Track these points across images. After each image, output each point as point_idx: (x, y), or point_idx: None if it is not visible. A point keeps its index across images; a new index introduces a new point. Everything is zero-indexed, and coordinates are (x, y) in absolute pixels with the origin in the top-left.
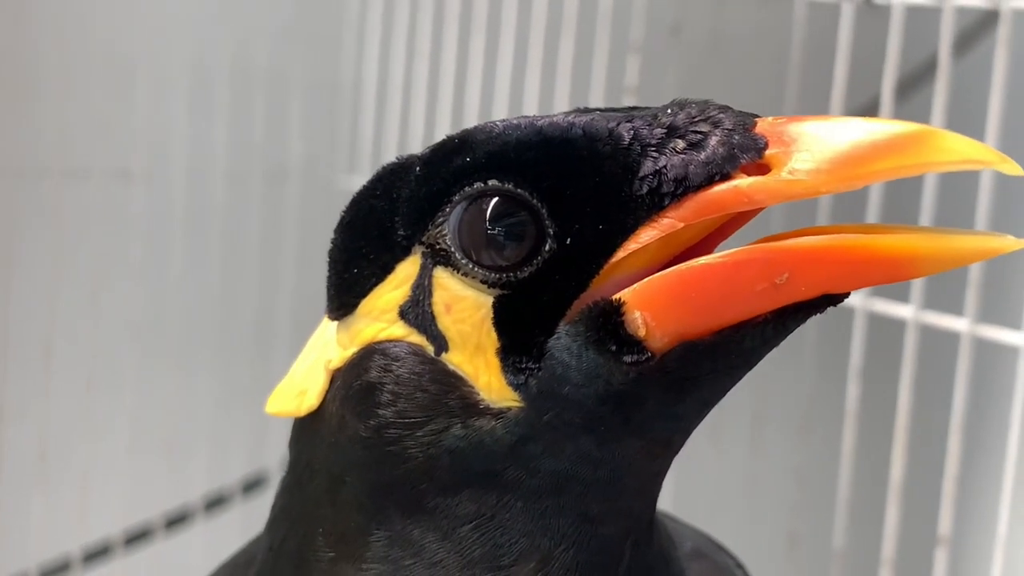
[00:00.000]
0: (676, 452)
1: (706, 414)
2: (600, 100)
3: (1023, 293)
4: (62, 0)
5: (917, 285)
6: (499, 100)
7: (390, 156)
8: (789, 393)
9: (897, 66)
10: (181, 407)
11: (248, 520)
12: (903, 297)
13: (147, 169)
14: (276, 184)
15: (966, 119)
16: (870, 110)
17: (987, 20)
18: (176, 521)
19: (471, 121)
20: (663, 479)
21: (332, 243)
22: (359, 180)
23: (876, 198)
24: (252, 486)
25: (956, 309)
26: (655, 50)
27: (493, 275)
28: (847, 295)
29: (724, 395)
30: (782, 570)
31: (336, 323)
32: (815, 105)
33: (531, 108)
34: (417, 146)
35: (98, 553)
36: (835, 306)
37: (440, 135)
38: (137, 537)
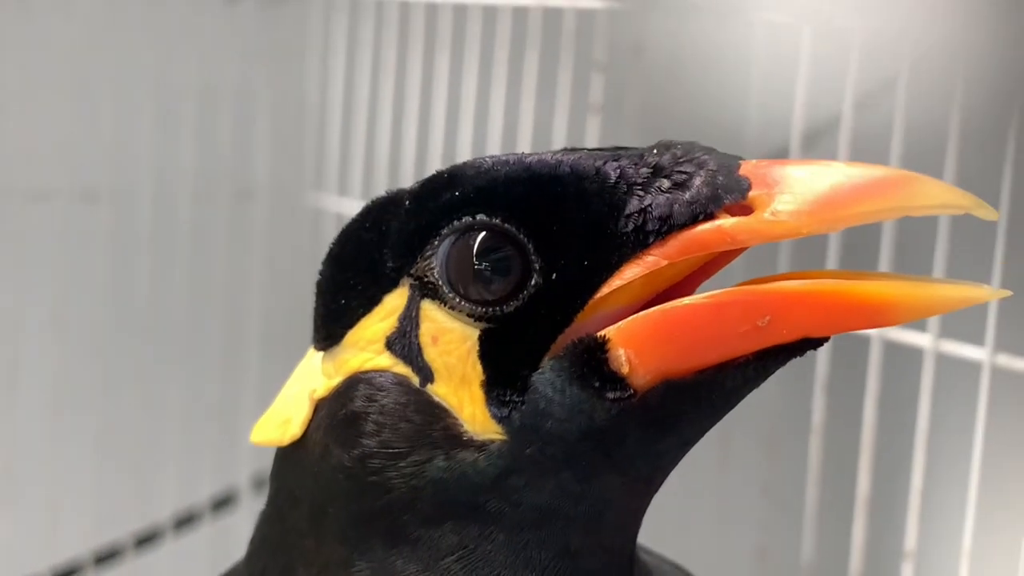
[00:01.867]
0: (656, 490)
1: (685, 453)
2: (565, 117)
3: (985, 309)
4: (24, 19)
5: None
6: (464, 118)
7: (356, 174)
8: (756, 408)
9: (855, 85)
10: (148, 426)
11: (218, 538)
12: None
13: (112, 189)
14: (242, 203)
15: (926, 125)
16: (831, 120)
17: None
18: (145, 540)
19: (436, 140)
20: (643, 516)
21: (320, 274)
22: (325, 198)
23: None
24: (221, 504)
25: (919, 325)
26: (618, 69)
27: (480, 309)
28: (828, 338)
29: (703, 435)
30: None
31: (322, 353)
32: (776, 121)
33: (496, 125)
34: (383, 165)
35: (67, 574)
36: (815, 348)
37: (406, 153)
38: (106, 557)
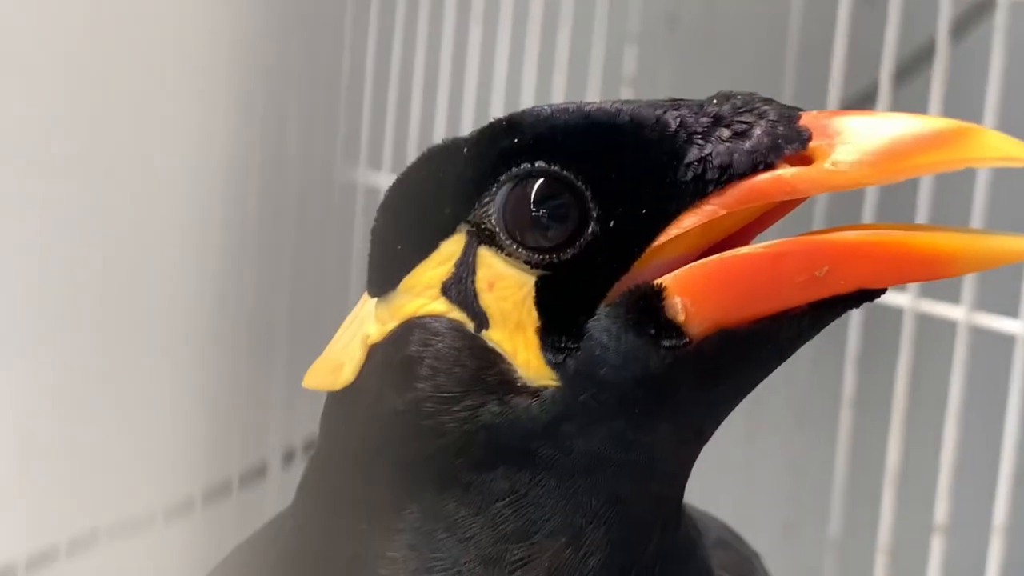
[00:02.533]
0: (706, 440)
1: (736, 404)
2: (597, 91)
3: (1019, 281)
4: None
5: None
6: (496, 91)
7: (387, 148)
8: (786, 381)
9: (895, 51)
10: (179, 397)
11: (247, 509)
12: (899, 286)
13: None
14: (272, 175)
15: (963, 104)
16: (868, 97)
17: (984, 5)
18: (176, 510)
19: (468, 113)
20: (692, 466)
21: (375, 221)
22: (356, 171)
23: (872, 194)
24: (251, 476)
25: (953, 297)
26: (652, 41)
27: (536, 256)
28: (884, 291)
29: (755, 386)
30: (778, 558)
31: (376, 300)
32: (812, 93)
33: (528, 99)
34: (415, 138)
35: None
36: (871, 301)
37: (438, 124)
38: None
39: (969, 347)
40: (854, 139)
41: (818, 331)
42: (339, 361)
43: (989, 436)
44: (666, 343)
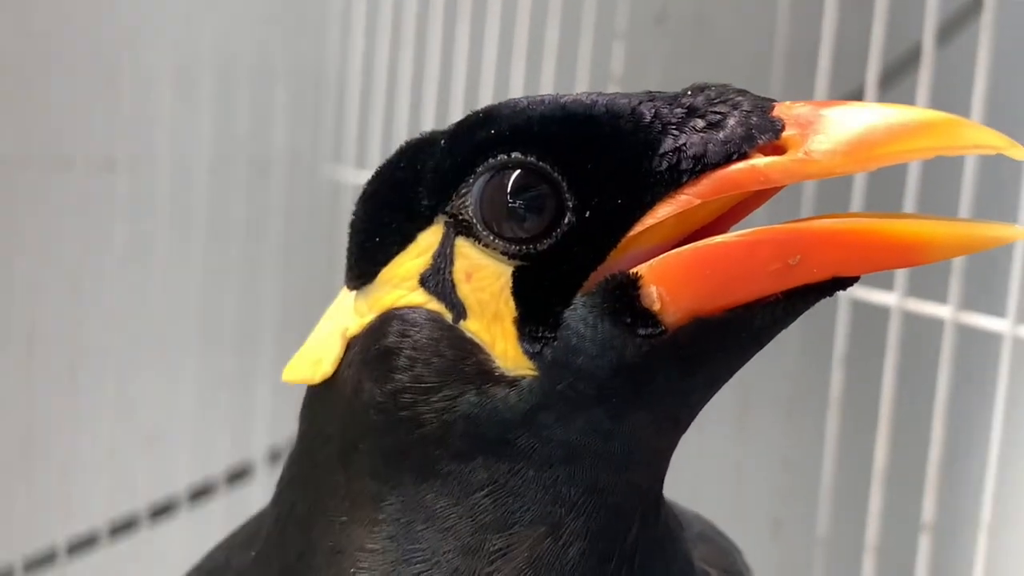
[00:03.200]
0: (683, 430)
1: (713, 394)
2: (585, 88)
3: (1006, 280)
4: None
5: (901, 272)
6: (484, 88)
7: (375, 145)
8: (774, 380)
9: (882, 53)
10: (165, 397)
11: (232, 510)
12: (887, 284)
13: (131, 158)
14: (261, 174)
15: (950, 106)
16: (855, 97)
17: (971, 7)
18: (160, 511)
19: (456, 111)
20: (670, 456)
21: (354, 214)
22: (343, 170)
23: (860, 186)
24: (237, 476)
25: (940, 296)
26: (640, 38)
27: (513, 247)
28: (856, 279)
29: (731, 375)
30: (766, 556)
31: (355, 292)
32: (800, 92)
33: (516, 95)
34: (403, 135)
35: (83, 544)
36: (844, 289)
37: (425, 124)
38: (121, 528)
39: (956, 346)
40: (827, 128)
41: (793, 319)
42: (318, 354)
43: (976, 433)
44: (642, 332)
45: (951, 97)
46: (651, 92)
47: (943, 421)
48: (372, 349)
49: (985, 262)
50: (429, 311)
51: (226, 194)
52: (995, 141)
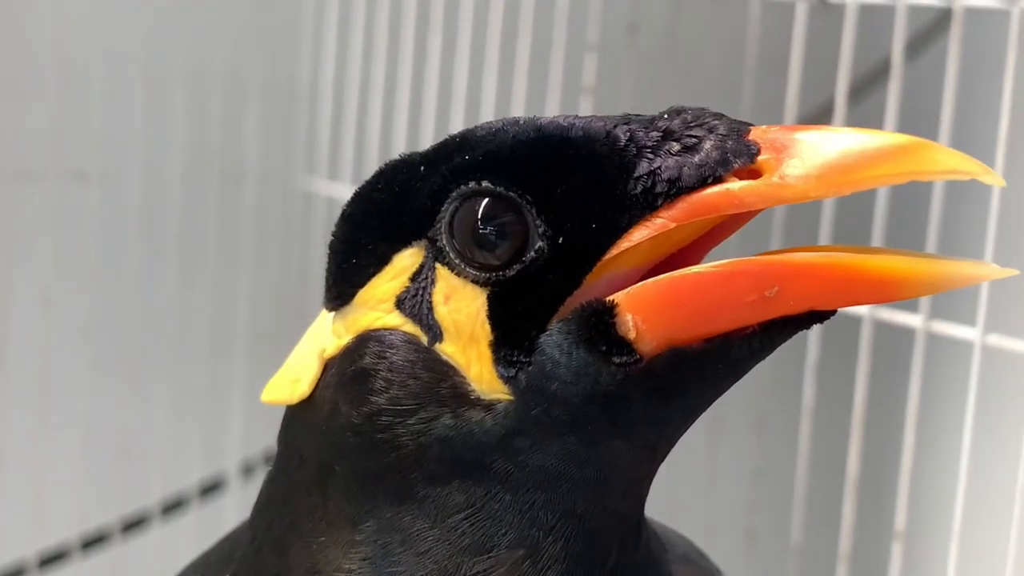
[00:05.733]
0: (661, 458)
1: (691, 423)
2: (557, 99)
3: (976, 289)
4: (11, 1)
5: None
6: (456, 100)
7: (347, 157)
8: (746, 389)
9: (851, 66)
10: (137, 410)
11: (206, 524)
12: None
13: (102, 171)
14: (233, 186)
15: (919, 120)
16: (825, 111)
17: (940, 21)
18: (132, 525)
19: (428, 123)
20: (650, 484)
21: (333, 235)
22: (316, 182)
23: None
24: (209, 490)
25: (910, 306)
26: (611, 49)
27: (483, 274)
28: (834, 312)
29: (709, 405)
30: (740, 566)
31: (333, 314)
32: (770, 104)
33: (488, 108)
34: (375, 147)
35: (54, 558)
36: (820, 323)
37: (398, 135)
38: (93, 542)
39: (927, 355)
40: (802, 153)
41: (769, 352)
42: (296, 375)
43: (947, 442)
44: (617, 360)
45: (921, 110)
46: (627, 115)
47: (914, 430)
48: (348, 371)
49: None
50: (405, 333)
51: (198, 206)
52: (968, 167)
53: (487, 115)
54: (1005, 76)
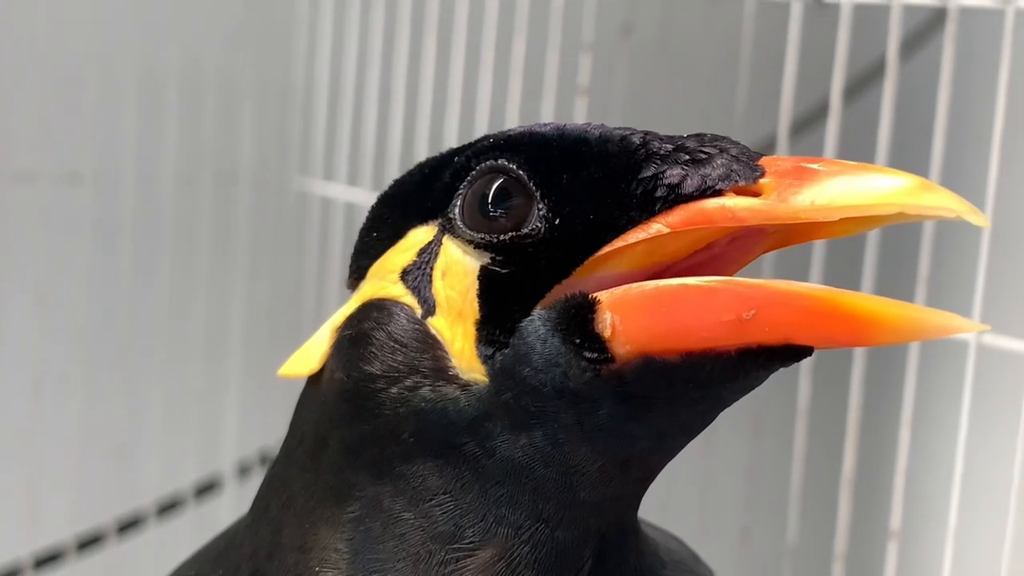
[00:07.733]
0: (639, 484)
1: (666, 452)
2: (552, 100)
3: (971, 289)
4: (4, 2)
5: (866, 280)
6: (452, 100)
7: (342, 158)
8: None
9: (846, 65)
10: (132, 411)
11: (201, 525)
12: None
13: (96, 172)
14: (227, 187)
15: (914, 118)
16: (820, 110)
17: (935, 21)
18: (128, 526)
19: (423, 123)
20: (633, 507)
21: (366, 217)
22: (311, 183)
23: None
24: (205, 490)
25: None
26: (606, 50)
27: (478, 235)
28: (811, 351)
29: (682, 438)
30: (735, 566)
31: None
32: (765, 104)
33: (484, 108)
34: (370, 148)
35: (49, 559)
36: (799, 360)
37: (392, 135)
38: (88, 542)
39: (922, 354)
40: (802, 177)
41: (746, 383)
42: (312, 351)
43: (942, 442)
44: (588, 355)
45: (916, 109)
46: (651, 131)
47: (909, 429)
48: (346, 335)
49: (949, 271)
50: (403, 303)
51: (193, 207)
52: (956, 205)
53: (482, 115)
54: (999, 75)
